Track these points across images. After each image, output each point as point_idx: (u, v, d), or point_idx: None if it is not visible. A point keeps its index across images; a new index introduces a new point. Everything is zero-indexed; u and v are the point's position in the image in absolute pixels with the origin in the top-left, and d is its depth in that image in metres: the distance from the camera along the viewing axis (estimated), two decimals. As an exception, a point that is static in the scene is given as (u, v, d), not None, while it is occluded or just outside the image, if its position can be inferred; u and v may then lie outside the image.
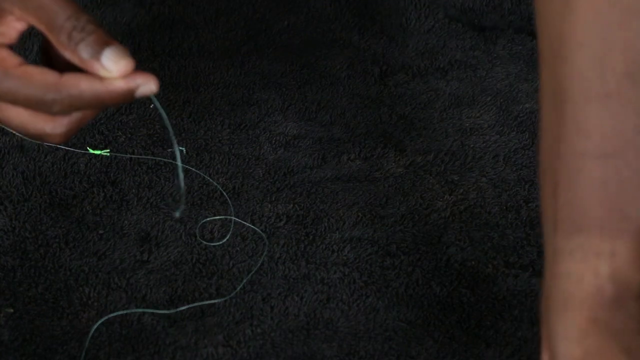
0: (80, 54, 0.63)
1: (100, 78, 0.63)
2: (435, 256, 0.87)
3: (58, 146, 0.94)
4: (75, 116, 0.66)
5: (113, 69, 0.64)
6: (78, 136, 0.96)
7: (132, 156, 0.94)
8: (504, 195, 0.93)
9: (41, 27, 0.64)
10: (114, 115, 0.98)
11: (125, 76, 0.64)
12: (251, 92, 1.03)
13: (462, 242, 0.88)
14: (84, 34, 0.63)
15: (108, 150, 0.94)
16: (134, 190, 0.91)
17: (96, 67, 0.63)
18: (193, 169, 0.93)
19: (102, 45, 0.63)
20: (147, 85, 0.64)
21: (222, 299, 0.83)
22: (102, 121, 0.97)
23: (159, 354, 0.79)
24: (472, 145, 0.97)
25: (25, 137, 0.67)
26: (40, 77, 0.64)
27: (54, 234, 0.87)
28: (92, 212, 0.89)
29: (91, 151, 0.94)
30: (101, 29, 0.64)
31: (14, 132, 0.67)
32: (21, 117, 0.65)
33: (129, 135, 0.96)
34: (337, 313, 0.82)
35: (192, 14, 1.12)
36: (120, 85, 0.63)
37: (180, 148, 0.96)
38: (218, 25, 1.11)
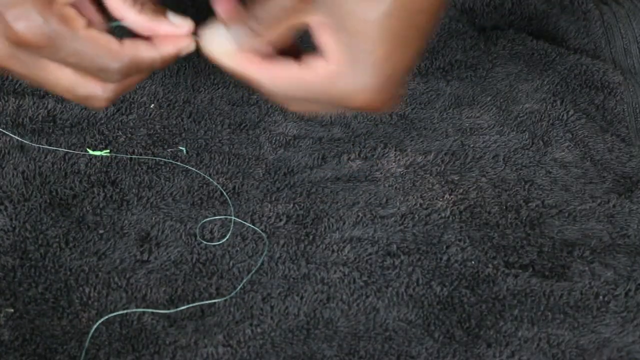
0: (146, 13, 0.66)
1: (154, 44, 0.65)
2: (435, 256, 0.87)
3: (58, 148, 0.94)
4: (125, 82, 0.67)
5: (182, 24, 0.66)
6: (78, 136, 0.96)
7: (132, 156, 0.94)
8: (504, 195, 0.93)
9: None
10: (114, 115, 0.98)
11: (172, 40, 0.66)
12: (251, 92, 1.03)
13: (462, 242, 0.88)
14: None
15: (108, 151, 0.94)
16: (134, 190, 0.91)
17: (165, 24, 0.66)
18: (193, 169, 0.93)
19: (162, 7, 0.67)
20: (189, 45, 0.69)
21: (222, 299, 0.83)
22: (102, 121, 0.97)
23: (159, 354, 0.79)
24: (472, 145, 0.97)
25: (70, 98, 0.68)
26: (106, 43, 0.65)
27: (54, 234, 0.87)
28: (92, 212, 0.89)
29: (91, 152, 0.94)
30: None
31: (55, 93, 0.67)
32: (72, 79, 0.66)
33: (129, 135, 0.96)
34: (337, 313, 0.82)
35: (192, 14, 1.11)
36: (171, 48, 0.67)
37: (181, 148, 0.96)
38: (218, 25, 1.11)
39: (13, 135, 0.94)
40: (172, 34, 0.67)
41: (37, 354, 0.78)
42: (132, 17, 0.66)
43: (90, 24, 0.65)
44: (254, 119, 0.99)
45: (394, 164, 0.95)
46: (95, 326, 0.80)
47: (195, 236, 0.88)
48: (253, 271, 0.85)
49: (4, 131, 0.95)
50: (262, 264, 0.86)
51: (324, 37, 0.66)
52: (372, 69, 0.65)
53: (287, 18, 0.67)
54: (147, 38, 0.68)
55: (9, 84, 1.01)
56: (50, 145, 0.94)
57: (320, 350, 0.80)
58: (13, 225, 0.87)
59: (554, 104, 1.02)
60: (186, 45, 0.68)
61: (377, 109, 0.68)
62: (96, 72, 0.65)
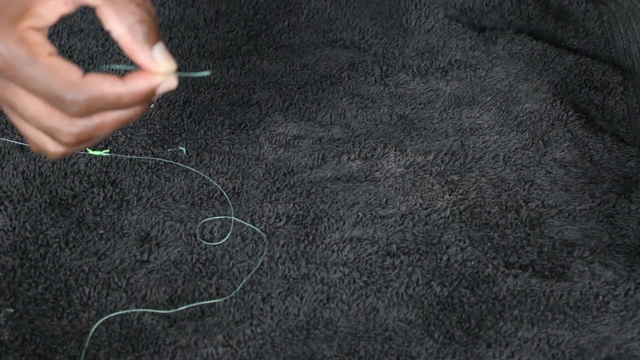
0: (136, 33, 0.61)
1: (122, 79, 0.62)
2: (435, 256, 0.87)
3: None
4: (94, 120, 0.64)
5: (162, 63, 0.62)
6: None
7: (132, 157, 0.94)
8: (503, 195, 0.93)
9: (97, 2, 0.61)
10: (114, 115, 0.98)
11: (145, 76, 0.63)
12: (251, 92, 1.03)
13: (462, 242, 0.88)
14: (146, 15, 0.62)
15: (108, 151, 0.94)
16: (134, 190, 0.91)
17: (146, 54, 0.62)
18: (193, 169, 0.93)
19: (157, 35, 0.62)
20: (167, 83, 0.64)
21: (222, 299, 0.83)
22: (102, 121, 0.97)
23: (159, 354, 0.79)
24: (472, 145, 0.97)
25: (29, 133, 0.65)
26: (65, 73, 0.62)
27: (54, 234, 0.87)
28: (92, 212, 0.89)
29: (91, 152, 0.94)
30: (157, 20, 0.63)
31: (18, 124, 0.65)
32: (37, 108, 0.63)
33: (129, 135, 0.96)
34: (337, 313, 0.82)
35: (192, 14, 1.12)
36: (142, 85, 0.62)
37: (181, 148, 0.96)
38: (218, 25, 1.11)
39: (12, 140, 0.95)
40: (147, 68, 0.63)
41: (37, 354, 0.78)
42: (119, 30, 0.63)
43: (55, 52, 0.62)
44: (254, 119, 0.99)
45: (394, 164, 0.95)
46: (95, 326, 0.80)
47: (195, 236, 0.88)
48: (253, 271, 0.85)
49: (4, 130, 0.95)
50: (262, 264, 0.86)
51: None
52: None
53: None
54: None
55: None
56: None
57: (320, 350, 0.80)
58: (13, 225, 0.87)
59: (554, 104, 1.02)
60: (162, 83, 0.63)
61: None
62: (55, 103, 0.62)
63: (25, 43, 0.61)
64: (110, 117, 0.64)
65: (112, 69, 0.64)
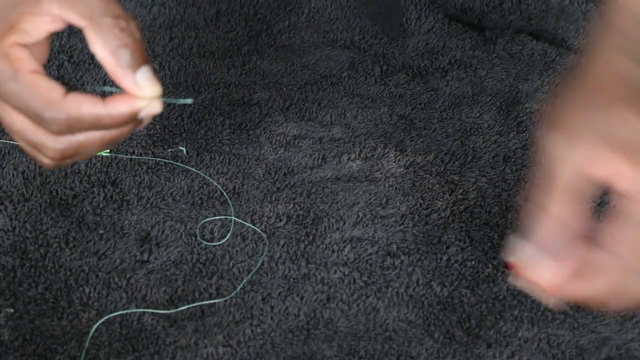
0: (119, 57, 0.62)
1: (103, 101, 0.62)
2: (435, 256, 0.87)
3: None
4: (78, 137, 0.64)
5: (145, 88, 0.62)
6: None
7: (132, 157, 0.94)
8: (504, 195, 0.93)
9: (82, 24, 0.61)
10: (114, 115, 0.98)
11: (127, 99, 0.62)
12: (251, 92, 1.03)
13: (462, 242, 0.88)
14: (129, 39, 0.62)
15: (108, 151, 0.94)
16: (134, 190, 0.91)
17: (128, 78, 0.62)
18: (193, 169, 0.93)
19: (142, 59, 0.62)
20: (150, 107, 0.63)
21: (222, 299, 0.83)
22: (102, 121, 0.97)
23: (159, 354, 0.79)
24: (472, 145, 0.97)
25: (21, 144, 0.65)
26: (45, 91, 0.61)
27: (54, 234, 0.87)
28: (93, 212, 0.89)
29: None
30: (143, 42, 0.62)
31: (11, 136, 0.66)
32: (22, 123, 0.63)
33: (129, 135, 0.96)
34: (337, 313, 0.82)
35: (193, 14, 1.12)
36: (123, 108, 0.62)
37: (181, 148, 0.96)
38: (218, 25, 1.11)
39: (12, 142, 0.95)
40: (129, 92, 0.62)
41: (37, 354, 0.78)
42: (102, 53, 0.62)
43: (39, 69, 0.62)
44: (254, 119, 0.99)
45: (394, 164, 0.95)
46: (95, 326, 0.80)
47: (195, 236, 0.88)
48: (253, 271, 0.85)
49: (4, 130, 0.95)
50: (262, 264, 0.86)
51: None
52: None
53: None
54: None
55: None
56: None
57: (320, 350, 0.80)
58: (13, 225, 0.87)
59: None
60: (144, 108, 0.62)
61: None
62: (36, 121, 0.62)
63: (9, 59, 0.61)
64: (95, 136, 0.64)
65: (101, 90, 0.64)
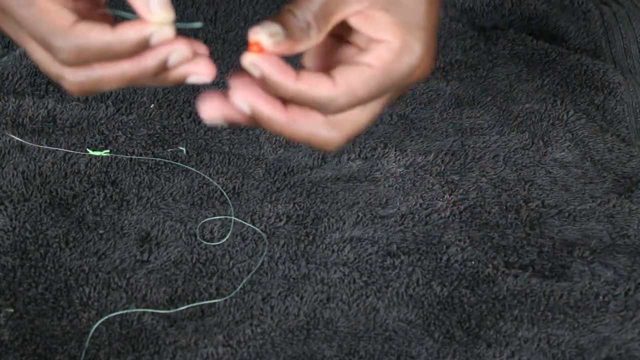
0: None
1: (113, 28, 0.61)
2: (435, 256, 0.87)
3: (57, 148, 0.94)
4: (96, 71, 0.63)
5: (156, 12, 0.61)
6: (78, 136, 0.96)
7: (132, 157, 0.94)
8: (504, 195, 0.93)
9: None
10: (114, 115, 0.98)
11: (137, 25, 0.61)
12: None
13: (462, 242, 0.88)
14: None
15: (108, 151, 0.94)
16: (134, 190, 0.91)
17: (141, 1, 0.61)
18: (193, 169, 0.93)
19: None
20: (160, 32, 0.63)
21: (222, 299, 0.83)
22: (102, 121, 0.97)
23: (159, 354, 0.79)
24: (472, 145, 0.97)
25: (46, 74, 0.64)
26: (54, 17, 0.61)
27: (54, 234, 0.87)
28: (92, 212, 0.89)
29: (91, 152, 0.94)
30: None
31: (37, 66, 0.65)
32: (40, 54, 0.63)
33: (129, 135, 0.96)
34: (337, 313, 0.82)
35: (192, 14, 1.12)
36: (132, 34, 0.60)
37: (181, 148, 0.96)
38: (217, 25, 1.11)
39: (13, 137, 0.95)
40: (141, 15, 0.60)
41: (37, 353, 0.78)
42: None
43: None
44: (254, 119, 0.99)
45: (394, 164, 0.95)
46: (95, 326, 0.80)
47: (195, 236, 0.88)
48: (253, 271, 0.85)
49: (4, 131, 0.95)
50: (262, 264, 0.86)
51: (375, 21, 0.65)
52: (424, 32, 0.65)
53: (337, 12, 0.64)
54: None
55: (9, 84, 1.01)
56: (50, 146, 0.94)
57: (320, 350, 0.80)
58: (13, 225, 0.88)
59: (554, 104, 1.02)
60: (154, 32, 0.61)
61: (428, 72, 0.67)
62: (48, 50, 0.61)
63: None
64: (114, 72, 0.63)
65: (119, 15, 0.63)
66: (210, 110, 0.66)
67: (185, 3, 1.12)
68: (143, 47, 0.62)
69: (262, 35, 0.63)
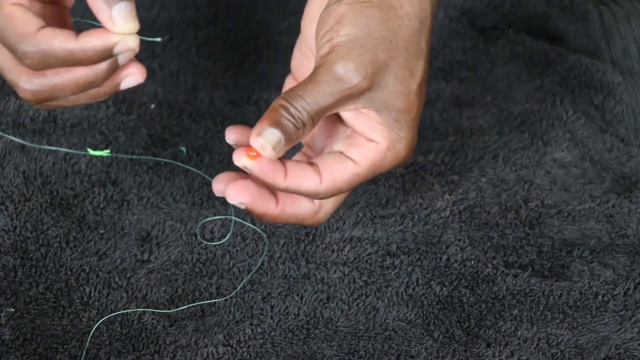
0: None
1: (77, 36, 0.61)
2: (435, 256, 0.87)
3: (58, 148, 0.94)
4: (51, 79, 0.63)
5: (119, 24, 0.61)
6: (79, 135, 0.96)
7: (133, 157, 0.94)
8: (503, 195, 0.93)
9: None
10: (114, 115, 0.98)
11: (101, 34, 0.62)
12: (251, 92, 1.03)
13: (461, 242, 0.88)
14: None
15: (109, 151, 0.94)
16: (134, 190, 0.91)
17: (105, 12, 0.61)
18: (193, 169, 0.94)
19: None
20: (124, 42, 0.62)
21: (222, 299, 0.83)
22: (102, 121, 0.98)
23: (159, 353, 0.79)
24: (472, 145, 0.97)
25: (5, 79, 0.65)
26: (20, 24, 0.61)
27: (54, 234, 0.87)
28: (93, 212, 0.89)
29: (91, 152, 0.94)
30: None
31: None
32: (3, 58, 0.64)
33: (129, 135, 0.96)
34: (337, 313, 0.82)
35: (192, 14, 1.12)
36: (95, 42, 0.61)
37: (181, 148, 0.96)
38: (218, 25, 1.11)
39: (14, 138, 0.95)
40: (105, 26, 0.61)
41: (38, 353, 0.78)
42: None
43: (20, 3, 0.61)
44: (254, 119, 0.99)
45: (393, 164, 0.95)
46: (95, 326, 0.80)
47: (196, 236, 0.88)
48: (253, 271, 0.85)
49: (3, 134, 0.95)
50: (262, 263, 0.86)
51: (367, 121, 0.69)
52: (411, 125, 0.70)
53: (332, 110, 0.68)
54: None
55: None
56: (50, 146, 0.94)
57: (320, 350, 0.80)
58: (14, 225, 0.88)
59: (554, 104, 1.02)
60: (117, 43, 0.61)
61: (405, 163, 0.72)
62: (13, 54, 0.62)
63: None
64: (68, 78, 0.63)
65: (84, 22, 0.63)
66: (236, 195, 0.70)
67: (186, 4, 1.12)
68: (107, 55, 0.63)
69: (267, 149, 0.66)
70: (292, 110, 0.66)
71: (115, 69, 0.65)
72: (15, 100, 0.98)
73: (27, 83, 0.64)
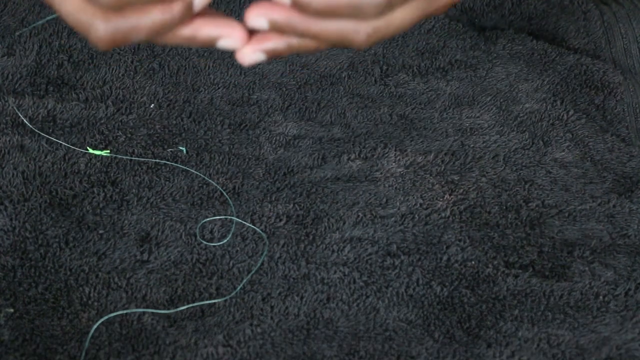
0: None
1: None
2: (435, 256, 0.87)
3: (58, 145, 0.94)
4: (129, 19, 0.63)
5: None
6: (78, 135, 0.96)
7: (132, 157, 0.94)
8: (503, 195, 0.93)
9: None
10: (114, 115, 0.98)
11: None
12: (251, 92, 1.03)
13: (462, 242, 0.88)
14: None
15: (108, 151, 0.94)
16: (134, 190, 0.91)
17: None
18: (193, 169, 0.93)
19: None
20: None
21: (222, 299, 0.83)
22: (102, 121, 0.98)
23: (159, 354, 0.79)
24: (472, 145, 0.97)
25: (73, 26, 0.64)
26: None
27: (54, 234, 0.87)
28: (92, 212, 0.89)
29: (91, 151, 0.94)
30: None
31: (63, 19, 0.64)
32: (70, 4, 0.63)
33: (129, 135, 0.96)
34: (337, 313, 0.82)
35: (192, 14, 1.12)
36: None
37: (181, 148, 0.96)
38: (218, 25, 1.11)
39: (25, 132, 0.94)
40: None
41: (37, 353, 0.78)
42: None
43: None
44: (254, 119, 0.99)
45: (394, 164, 0.95)
46: (95, 326, 0.80)
47: (195, 236, 0.88)
48: (253, 271, 0.85)
49: (4, 129, 0.95)
50: (262, 264, 0.86)
51: None
52: None
53: None
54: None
55: (9, 84, 1.01)
56: (50, 146, 0.94)
57: (320, 350, 0.80)
58: (13, 225, 0.87)
59: (554, 104, 1.02)
60: None
61: None
62: None
63: None
64: (146, 18, 0.63)
65: None
66: (257, 16, 0.64)
67: None
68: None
69: None
70: None
71: (190, 13, 0.64)
72: (14, 100, 0.98)
73: (105, 23, 0.62)
